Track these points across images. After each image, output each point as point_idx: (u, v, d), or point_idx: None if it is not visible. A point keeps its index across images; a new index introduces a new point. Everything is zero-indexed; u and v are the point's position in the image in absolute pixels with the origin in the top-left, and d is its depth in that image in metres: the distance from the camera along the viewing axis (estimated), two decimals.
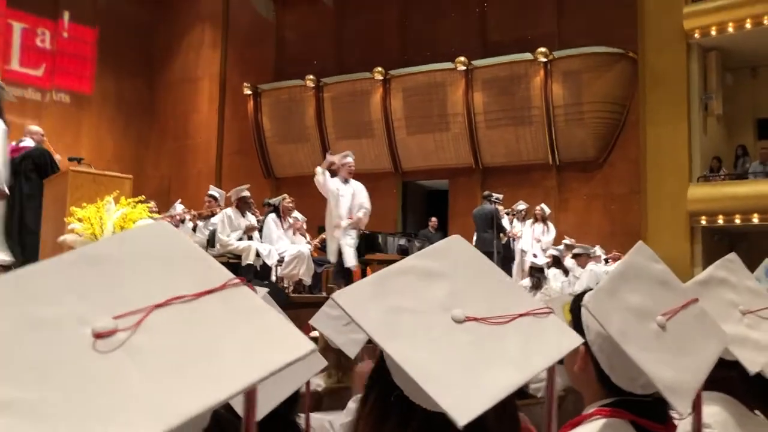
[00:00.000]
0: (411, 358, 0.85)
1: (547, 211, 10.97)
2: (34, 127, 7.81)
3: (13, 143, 7.65)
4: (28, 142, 7.49)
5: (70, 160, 7.23)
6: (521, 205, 10.92)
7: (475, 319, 0.95)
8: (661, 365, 1.13)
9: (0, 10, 14.61)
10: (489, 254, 8.49)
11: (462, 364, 0.87)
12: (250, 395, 0.75)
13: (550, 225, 10.87)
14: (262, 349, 0.72)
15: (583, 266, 10.04)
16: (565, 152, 12.63)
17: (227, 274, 0.80)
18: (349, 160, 8.19)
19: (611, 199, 12.45)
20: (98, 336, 0.66)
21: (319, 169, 7.87)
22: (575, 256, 10.16)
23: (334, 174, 8.07)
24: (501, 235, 9.80)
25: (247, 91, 15.06)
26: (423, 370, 0.84)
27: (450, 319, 0.94)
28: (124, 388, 0.63)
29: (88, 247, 0.78)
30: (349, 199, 8.06)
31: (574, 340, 1.02)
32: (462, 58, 12.85)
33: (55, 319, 0.67)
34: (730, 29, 11.31)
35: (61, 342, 0.66)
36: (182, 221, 9.66)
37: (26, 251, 7.03)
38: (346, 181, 8.15)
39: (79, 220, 5.93)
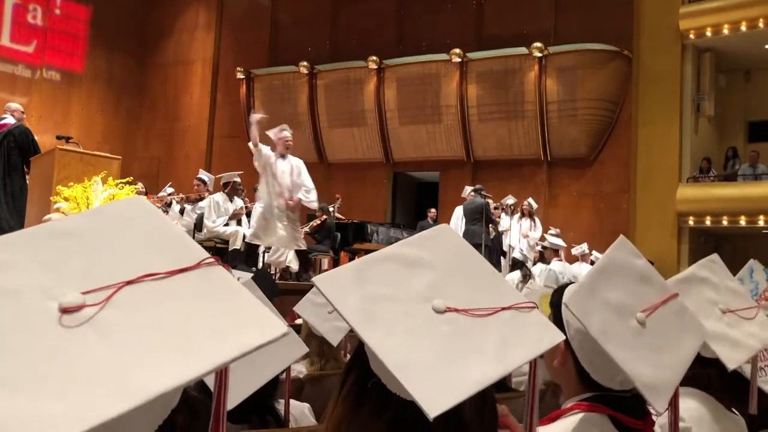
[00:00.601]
0: (386, 347, 0.84)
1: (534, 206, 10.96)
2: (14, 104, 7.72)
3: None
4: (9, 119, 7.40)
5: (59, 138, 7.18)
6: (510, 200, 10.93)
7: (456, 310, 0.93)
8: (640, 363, 1.13)
9: None
10: (477, 246, 8.49)
11: (438, 355, 0.86)
12: (221, 376, 0.74)
13: (538, 220, 10.91)
14: (234, 330, 0.70)
15: (549, 261, 10.14)
16: (556, 148, 12.65)
17: (202, 253, 0.78)
18: (286, 134, 7.48)
19: (600, 196, 12.49)
20: (65, 311, 0.65)
21: (251, 144, 7.27)
22: (544, 248, 10.28)
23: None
24: (489, 227, 9.81)
25: (240, 76, 14.97)
26: (398, 359, 0.83)
27: (430, 308, 0.92)
28: (89, 364, 0.61)
29: (60, 220, 0.76)
30: (288, 177, 7.22)
31: (556, 336, 1.01)
32: (457, 50, 12.82)
33: (19, 291, 0.66)
34: (726, 31, 11.35)
35: (25, 314, 0.64)
36: (169, 204, 9.60)
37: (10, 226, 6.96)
38: (283, 156, 7.32)
39: (66, 199, 5.90)
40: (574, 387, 1.27)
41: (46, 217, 5.88)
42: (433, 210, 11.86)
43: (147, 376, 0.62)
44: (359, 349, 1.01)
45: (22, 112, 7.68)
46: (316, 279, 0.93)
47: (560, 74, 12.43)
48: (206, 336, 0.68)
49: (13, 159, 7.22)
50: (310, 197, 7.25)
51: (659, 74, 11.81)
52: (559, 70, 12.42)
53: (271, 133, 7.48)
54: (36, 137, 7.72)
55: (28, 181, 7.18)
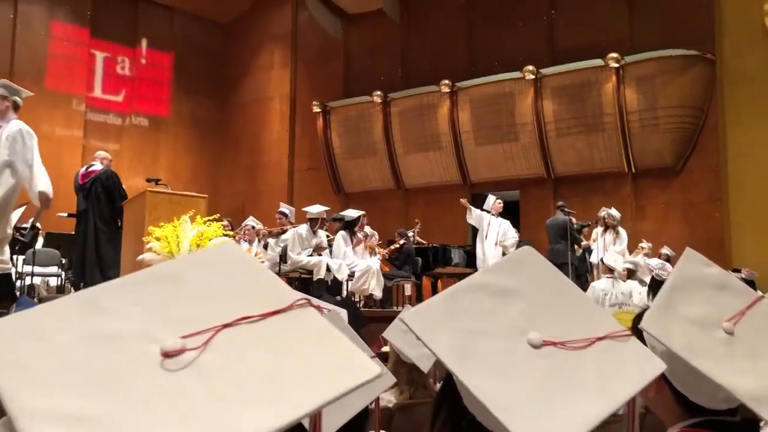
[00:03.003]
0: (485, 387, 0.82)
1: (617, 216, 10.13)
2: (102, 153, 8.22)
3: (83, 168, 8.05)
4: (97, 166, 7.84)
5: (148, 181, 7.54)
6: (604, 212, 10.30)
7: (553, 344, 0.90)
8: (738, 374, 1.05)
9: (84, 40, 15.41)
10: (562, 266, 8.29)
11: (540, 393, 0.83)
12: (315, 417, 0.74)
13: (622, 232, 10.27)
14: (328, 372, 0.72)
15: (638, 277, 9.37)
16: (640, 159, 12.24)
17: (294, 295, 0.80)
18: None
19: (690, 206, 11.96)
20: (166, 355, 0.68)
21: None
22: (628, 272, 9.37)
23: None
24: (575, 246, 9.55)
25: (317, 109, 15.31)
26: (499, 400, 0.80)
27: (526, 343, 0.90)
28: (191, 407, 0.63)
29: (157, 266, 0.80)
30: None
31: (658, 366, 0.96)
32: (530, 67, 12.67)
33: (122, 335, 0.69)
34: None
35: (128, 358, 0.67)
36: (251, 241, 9.85)
37: (107, 272, 7.32)
38: None
39: (157, 239, 6.14)
40: (676, 414, 1.20)
41: (140, 257, 6.15)
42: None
43: (245, 421, 0.63)
44: (448, 383, 0.98)
45: (110, 160, 8.13)
46: (405, 316, 0.92)
47: (639, 83, 12.07)
48: (301, 380, 0.70)
49: (102, 203, 7.64)
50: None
51: (746, 75, 11.27)
52: (638, 79, 12.07)
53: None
54: (127, 181, 8.16)
55: (120, 224, 7.56)
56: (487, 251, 9.88)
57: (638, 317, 1.26)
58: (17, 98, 5.35)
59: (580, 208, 10.96)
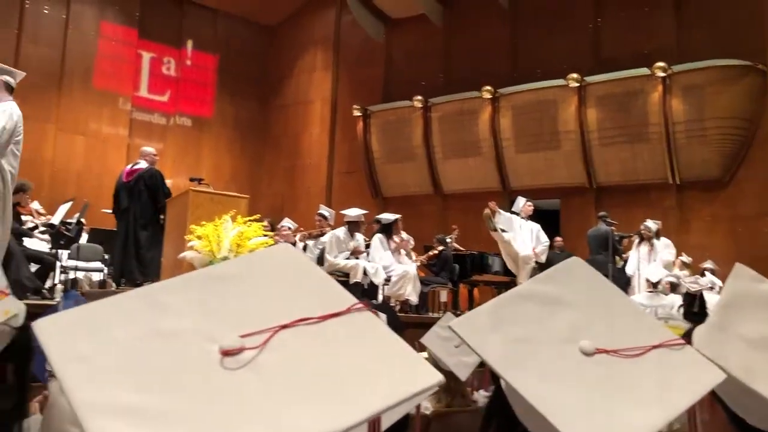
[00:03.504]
0: (539, 392, 0.79)
1: (653, 228, 9.82)
2: (148, 149, 8.32)
3: (129, 166, 8.19)
4: (141, 164, 7.97)
5: (191, 180, 7.64)
6: (651, 223, 9.99)
7: (606, 352, 0.87)
8: None
9: (132, 41, 15.74)
10: None
11: (596, 399, 0.80)
12: (374, 424, 0.73)
13: (658, 244, 9.91)
14: (387, 378, 0.71)
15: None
16: (686, 171, 11.97)
17: (351, 299, 0.80)
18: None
19: (738, 220, 11.65)
20: (226, 353, 0.68)
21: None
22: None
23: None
24: (617, 258, 9.37)
25: (357, 113, 15.36)
26: (553, 405, 0.77)
27: (578, 351, 0.87)
28: (248, 405, 0.63)
29: (214, 266, 0.81)
30: None
31: (716, 376, 0.92)
32: (574, 75, 12.51)
33: (181, 333, 0.69)
34: None
35: (188, 356, 0.67)
36: (294, 243, 9.89)
37: (146, 269, 7.44)
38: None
39: (198, 237, 6.21)
40: None
41: (181, 255, 6.23)
42: (559, 239, 11.49)
43: (302, 422, 0.63)
44: (498, 395, 0.96)
45: (155, 155, 8.25)
46: (454, 324, 0.90)
47: (686, 93, 11.80)
48: (360, 384, 0.69)
49: (144, 202, 7.76)
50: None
51: None
52: (685, 89, 11.81)
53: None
54: (170, 180, 8.28)
55: (162, 221, 7.67)
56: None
57: (687, 335, 1.21)
58: (9, 78, 5.41)
59: (622, 219, 10.75)
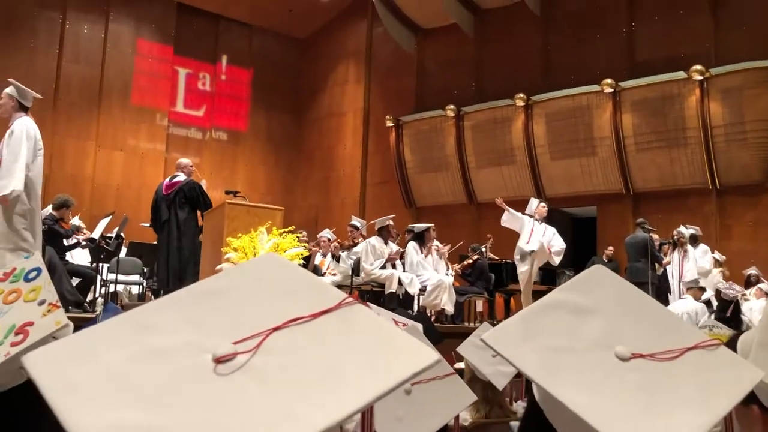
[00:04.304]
0: (579, 400, 0.78)
1: (686, 233, 9.65)
2: (184, 160, 8.42)
3: (167, 179, 8.32)
4: (180, 177, 8.08)
5: (227, 193, 7.73)
6: (688, 229, 9.90)
7: (642, 356, 0.86)
8: None
9: (168, 57, 16.07)
10: (642, 285, 7.98)
11: (637, 404, 0.79)
12: (366, 413, 0.72)
13: (693, 251, 9.78)
14: (383, 363, 0.71)
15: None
16: (726, 175, 11.71)
17: (341, 295, 0.80)
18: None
19: None
20: (218, 361, 0.68)
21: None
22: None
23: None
24: (656, 265, 9.19)
25: (389, 124, 15.40)
26: (595, 412, 0.76)
27: (614, 356, 0.86)
28: (246, 407, 0.63)
29: (201, 282, 0.81)
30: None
31: (755, 374, 0.90)
32: (609, 80, 12.37)
33: (172, 348, 0.69)
34: None
35: (180, 369, 0.67)
36: (325, 254, 9.93)
37: (187, 278, 7.53)
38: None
39: (235, 249, 6.28)
40: None
41: (218, 267, 6.30)
42: (611, 248, 11.31)
43: (302, 414, 0.63)
44: (533, 405, 0.95)
45: (191, 166, 8.37)
46: (486, 337, 0.90)
47: (725, 96, 11.57)
48: (358, 372, 0.69)
49: (185, 213, 7.87)
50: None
51: None
52: (724, 92, 11.57)
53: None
54: (203, 181, 8.38)
55: (201, 235, 7.77)
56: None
57: (730, 343, 1.17)
58: (19, 98, 5.55)
59: (661, 226, 10.57)
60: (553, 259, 9.17)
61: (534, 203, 9.64)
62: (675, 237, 9.77)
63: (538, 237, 9.20)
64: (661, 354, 0.87)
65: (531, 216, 9.42)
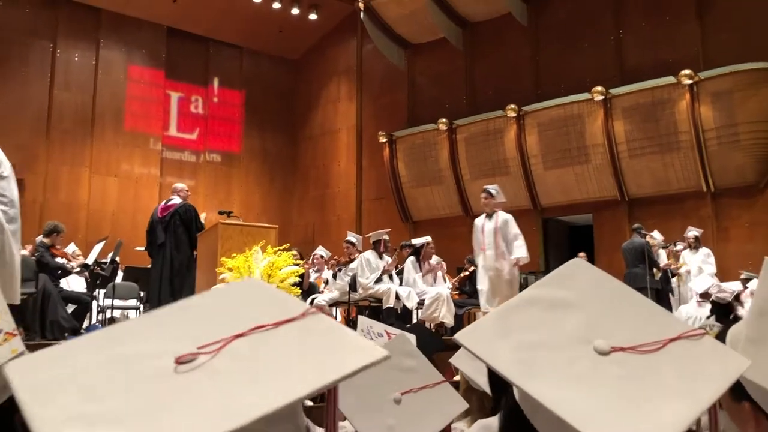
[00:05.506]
0: (560, 399, 0.75)
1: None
2: (180, 185, 8.45)
3: (163, 202, 8.32)
4: (176, 200, 8.08)
5: (220, 213, 7.72)
6: (692, 232, 10.16)
7: (622, 349, 0.84)
8: None
9: (160, 82, 16.12)
10: (641, 290, 7.92)
11: (618, 399, 0.76)
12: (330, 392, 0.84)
13: (688, 255, 9.94)
14: (333, 358, 0.75)
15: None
16: (720, 178, 11.72)
17: (306, 307, 0.84)
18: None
19: None
20: (179, 362, 0.72)
21: None
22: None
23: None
24: (654, 270, 9.17)
25: (383, 139, 15.43)
26: (573, 409, 0.74)
27: (593, 351, 0.83)
28: (198, 397, 0.68)
29: (179, 301, 0.87)
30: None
31: (741, 363, 0.87)
32: (599, 88, 12.42)
33: (139, 354, 0.74)
34: None
35: (143, 370, 0.72)
36: (320, 271, 9.91)
37: (182, 295, 7.47)
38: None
39: (229, 269, 6.25)
40: None
41: (214, 288, 6.27)
42: (582, 254, 11.28)
43: (249, 401, 0.66)
44: (513, 408, 0.92)
45: (187, 191, 8.38)
46: (459, 336, 0.88)
47: (715, 99, 11.61)
48: (306, 366, 0.73)
49: (180, 236, 7.86)
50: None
51: None
52: (714, 95, 11.62)
53: None
54: (203, 214, 8.38)
55: (195, 256, 7.74)
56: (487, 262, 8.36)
57: (719, 337, 1.14)
58: None
59: (657, 230, 10.55)
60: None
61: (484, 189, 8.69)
62: (692, 240, 10.18)
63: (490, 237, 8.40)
64: (643, 346, 0.84)
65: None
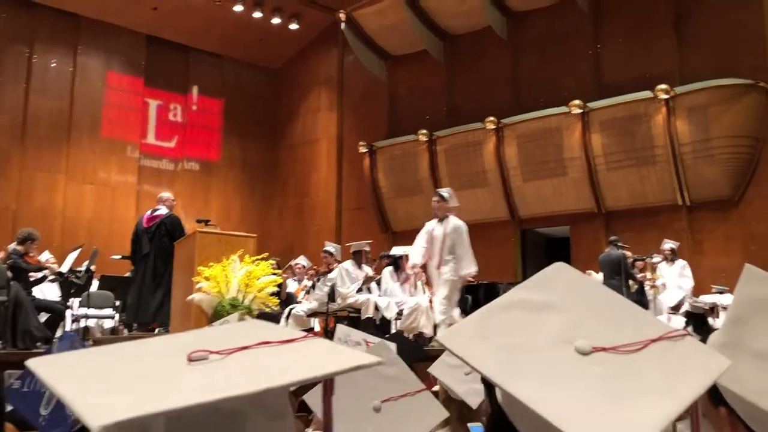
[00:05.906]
0: (542, 399, 0.76)
1: (668, 247, 10.24)
2: (166, 194, 8.37)
3: (149, 212, 8.24)
4: (162, 210, 8.01)
5: (198, 221, 7.66)
6: (668, 244, 10.34)
7: (603, 349, 0.84)
8: None
9: (138, 89, 16.00)
10: None
11: (599, 398, 0.77)
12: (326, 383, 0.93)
13: (665, 267, 10.13)
14: (330, 357, 0.85)
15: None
16: (695, 192, 11.90)
17: (308, 333, 0.95)
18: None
19: (751, 239, 11.52)
20: (191, 358, 0.84)
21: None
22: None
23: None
24: (630, 282, 9.26)
25: (363, 150, 15.45)
26: (556, 408, 0.74)
27: (574, 351, 0.84)
28: (206, 377, 0.80)
29: (186, 334, 0.98)
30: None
31: (722, 362, 0.88)
32: (577, 102, 12.56)
33: (158, 352, 0.88)
34: None
35: (161, 364, 0.84)
36: (300, 280, 9.87)
37: (162, 314, 7.41)
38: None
39: (206, 278, 6.18)
40: None
41: (189, 298, 6.20)
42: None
43: (245, 383, 0.77)
44: (496, 411, 0.93)
45: (173, 200, 8.32)
46: (441, 337, 0.88)
47: (691, 114, 11.81)
48: (294, 365, 0.83)
49: (164, 246, 7.79)
50: None
51: None
52: (689, 110, 11.81)
53: None
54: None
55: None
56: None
57: None
58: None
59: (633, 243, 10.67)
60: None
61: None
62: (668, 252, 10.33)
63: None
64: (624, 346, 0.85)
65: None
